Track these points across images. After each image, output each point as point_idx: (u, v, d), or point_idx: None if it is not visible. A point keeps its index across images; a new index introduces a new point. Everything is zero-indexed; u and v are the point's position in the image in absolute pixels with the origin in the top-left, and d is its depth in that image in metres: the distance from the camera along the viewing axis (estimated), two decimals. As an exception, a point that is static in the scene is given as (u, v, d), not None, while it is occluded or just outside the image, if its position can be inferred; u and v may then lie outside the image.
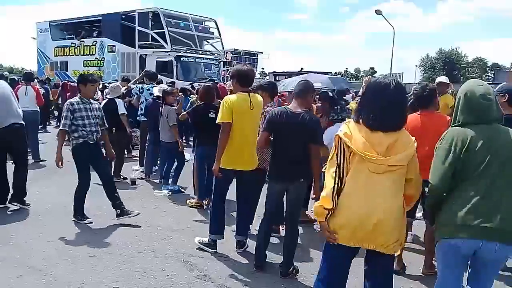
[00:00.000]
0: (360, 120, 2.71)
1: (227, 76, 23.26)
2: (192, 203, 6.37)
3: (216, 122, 4.54)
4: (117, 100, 7.75)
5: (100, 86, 10.95)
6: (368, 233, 2.66)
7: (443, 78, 8.16)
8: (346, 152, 2.68)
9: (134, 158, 9.68)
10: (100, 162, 5.67)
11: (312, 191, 4.51)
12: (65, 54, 23.82)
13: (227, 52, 22.87)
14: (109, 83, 13.06)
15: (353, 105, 6.54)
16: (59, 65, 24.18)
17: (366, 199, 2.64)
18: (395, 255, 2.94)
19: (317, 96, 6.46)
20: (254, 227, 4.99)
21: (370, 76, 10.20)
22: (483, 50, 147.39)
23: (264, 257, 4.38)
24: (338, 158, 2.71)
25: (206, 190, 6.10)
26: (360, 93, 8.41)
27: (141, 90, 8.98)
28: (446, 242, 2.68)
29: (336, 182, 2.69)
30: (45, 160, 8.88)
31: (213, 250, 4.73)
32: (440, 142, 2.73)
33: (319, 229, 4.98)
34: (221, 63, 21.34)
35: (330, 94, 5.88)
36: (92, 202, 6.11)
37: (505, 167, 2.58)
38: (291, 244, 4.25)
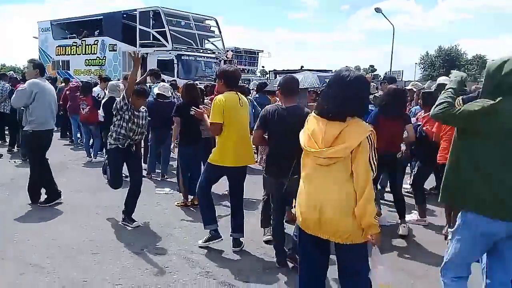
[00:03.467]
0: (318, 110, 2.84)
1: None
2: (179, 203, 6.39)
3: (209, 121, 4.63)
4: (117, 99, 7.73)
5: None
6: (316, 224, 2.78)
7: (444, 79, 7.93)
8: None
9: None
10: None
11: None
12: (67, 53, 23.84)
13: (227, 51, 22.82)
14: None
15: None
16: (60, 64, 24.21)
17: (311, 191, 2.81)
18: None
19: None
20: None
21: (371, 74, 10.19)
22: (482, 48, 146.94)
23: (284, 251, 4.39)
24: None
25: (190, 188, 6.20)
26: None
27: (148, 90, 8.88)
28: (480, 219, 2.65)
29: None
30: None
31: (219, 239, 4.79)
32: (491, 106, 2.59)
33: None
34: (222, 61, 21.32)
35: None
36: (95, 199, 6.15)
37: None
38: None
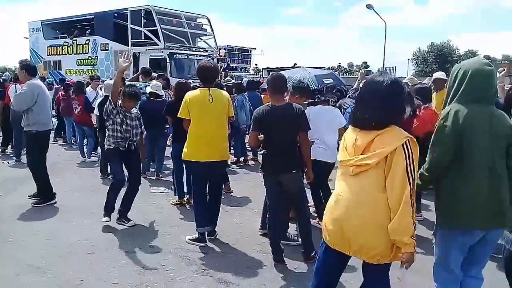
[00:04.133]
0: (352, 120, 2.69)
1: (221, 73, 23.26)
2: (174, 202, 6.38)
3: (178, 116, 4.88)
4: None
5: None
6: (340, 238, 2.54)
7: (440, 74, 7.96)
8: None
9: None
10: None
11: (305, 176, 4.56)
12: (58, 53, 23.71)
13: (220, 49, 22.77)
14: (103, 81, 13.05)
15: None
16: (52, 64, 24.07)
17: (338, 202, 2.55)
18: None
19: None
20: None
21: (365, 69, 10.21)
22: (474, 43, 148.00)
23: (281, 250, 4.41)
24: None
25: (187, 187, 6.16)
26: (354, 86, 8.47)
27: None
28: (458, 231, 2.72)
29: None
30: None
31: (203, 244, 4.81)
32: (442, 120, 2.67)
33: (318, 225, 5.03)
34: (215, 59, 21.30)
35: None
36: (90, 199, 6.13)
37: (499, 150, 2.65)
38: (304, 232, 4.42)
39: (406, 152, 2.37)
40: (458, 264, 2.83)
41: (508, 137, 2.67)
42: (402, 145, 2.38)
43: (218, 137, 4.84)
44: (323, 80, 6.39)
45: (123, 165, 5.56)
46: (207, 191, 4.98)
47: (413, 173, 2.38)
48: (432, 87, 7.36)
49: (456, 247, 2.78)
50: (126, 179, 5.57)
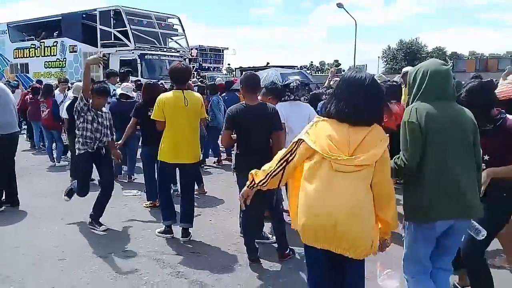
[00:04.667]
0: (331, 113, 2.60)
1: (193, 73, 23.11)
2: (147, 204, 6.30)
3: (152, 118, 4.90)
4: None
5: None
6: (330, 235, 2.49)
7: (409, 69, 8.18)
8: (303, 152, 2.62)
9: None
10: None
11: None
12: (25, 56, 23.18)
13: (192, 49, 22.66)
14: (72, 83, 12.78)
15: None
16: (19, 67, 23.51)
17: (327, 198, 2.48)
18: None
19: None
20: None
21: (335, 68, 10.31)
22: (442, 40, 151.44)
23: (255, 249, 4.41)
24: (290, 156, 2.71)
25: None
26: (325, 84, 8.53)
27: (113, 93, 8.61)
28: (424, 225, 2.77)
29: (278, 168, 2.76)
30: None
31: (170, 235, 5.00)
32: (408, 117, 2.73)
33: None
34: (187, 59, 21.17)
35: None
36: (60, 204, 6.00)
37: (463, 143, 2.72)
38: (279, 230, 4.44)
39: (389, 150, 2.53)
40: (427, 256, 2.88)
41: (471, 130, 2.75)
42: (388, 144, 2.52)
43: (192, 139, 4.89)
44: (288, 77, 6.42)
45: (96, 170, 5.46)
46: (178, 192, 5.00)
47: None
48: (401, 83, 7.48)
49: (423, 239, 2.83)
50: (98, 183, 5.46)
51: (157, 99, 4.83)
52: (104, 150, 5.35)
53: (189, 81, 10.28)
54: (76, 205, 5.52)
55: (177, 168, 5.21)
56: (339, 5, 29.16)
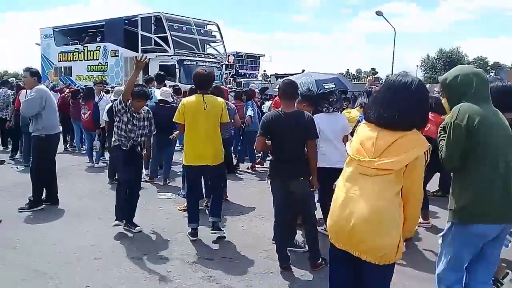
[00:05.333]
0: (371, 117, 2.57)
1: (229, 79, 23.31)
2: (182, 207, 6.35)
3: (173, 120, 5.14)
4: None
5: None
6: (348, 238, 2.50)
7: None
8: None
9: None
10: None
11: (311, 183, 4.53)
12: (69, 60, 23.96)
13: (229, 55, 22.89)
14: (112, 87, 13.12)
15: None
16: (63, 70, 24.32)
17: (348, 201, 2.49)
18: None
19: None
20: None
21: (373, 76, 10.16)
22: (484, 50, 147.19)
23: (287, 257, 4.39)
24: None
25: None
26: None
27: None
28: (471, 226, 2.72)
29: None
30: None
31: (194, 238, 5.10)
32: (454, 118, 2.69)
33: (325, 232, 4.99)
34: (223, 66, 21.38)
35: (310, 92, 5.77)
36: (97, 204, 6.14)
37: (510, 143, 2.71)
38: (311, 239, 4.41)
39: (426, 160, 2.43)
40: (466, 262, 2.85)
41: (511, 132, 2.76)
42: (424, 153, 2.41)
43: (211, 142, 5.00)
44: (323, 84, 6.28)
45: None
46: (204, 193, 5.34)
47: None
48: (440, 93, 7.29)
49: (469, 244, 2.77)
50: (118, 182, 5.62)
51: (180, 103, 5.04)
52: (139, 149, 5.49)
53: (225, 87, 10.42)
54: (113, 205, 5.63)
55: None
56: (378, 13, 28.84)
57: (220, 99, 5.25)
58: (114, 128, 5.37)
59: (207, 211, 5.68)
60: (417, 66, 65.01)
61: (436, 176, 6.24)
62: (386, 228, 2.43)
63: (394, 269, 2.62)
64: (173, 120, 5.07)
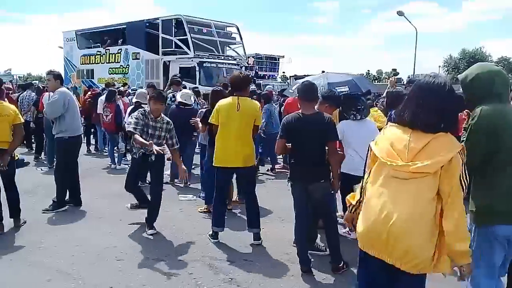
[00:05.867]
0: (404, 119, 2.52)
1: (249, 81, 23.25)
2: (202, 209, 6.39)
3: (209, 122, 5.17)
4: (144, 106, 7.86)
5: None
6: (383, 245, 2.41)
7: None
8: (372, 157, 2.61)
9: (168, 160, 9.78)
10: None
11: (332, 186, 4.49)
12: (91, 62, 24.28)
13: (249, 57, 22.91)
14: (133, 89, 13.28)
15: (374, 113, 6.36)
16: (85, 73, 24.67)
17: (384, 206, 2.40)
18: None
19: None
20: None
21: (395, 77, 10.04)
22: (508, 50, 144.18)
23: (308, 260, 4.38)
24: (367, 163, 2.70)
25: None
26: (384, 94, 8.33)
27: (173, 99, 8.81)
28: (498, 226, 2.69)
29: (362, 185, 2.69)
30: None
31: (215, 240, 5.13)
32: (476, 119, 2.67)
33: (347, 235, 4.97)
34: (243, 67, 21.40)
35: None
36: (119, 206, 6.21)
37: None
38: (333, 242, 4.37)
39: (461, 160, 2.37)
40: (498, 265, 2.80)
41: None
42: (458, 153, 2.36)
43: (242, 143, 4.97)
44: (336, 88, 6.12)
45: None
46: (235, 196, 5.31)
47: (465, 180, 2.38)
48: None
49: (498, 243, 2.74)
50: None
51: (216, 105, 5.08)
52: (153, 158, 5.33)
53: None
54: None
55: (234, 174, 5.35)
56: (400, 13, 28.55)
57: (255, 102, 5.25)
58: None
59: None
60: (439, 66, 64.04)
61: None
62: (423, 233, 2.35)
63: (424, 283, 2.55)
64: (209, 121, 5.14)
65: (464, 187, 2.38)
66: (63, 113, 6.14)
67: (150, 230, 5.40)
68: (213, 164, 5.11)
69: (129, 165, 5.71)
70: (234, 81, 5.09)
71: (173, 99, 8.62)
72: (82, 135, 6.85)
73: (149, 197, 5.63)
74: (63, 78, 6.71)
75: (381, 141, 2.57)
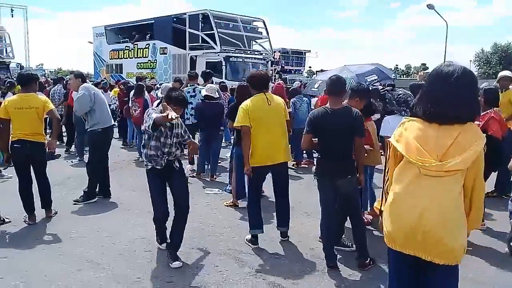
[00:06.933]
0: (418, 113, 2.44)
1: (275, 75, 23.31)
2: (228, 203, 6.43)
3: (234, 126, 4.97)
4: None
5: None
6: (420, 242, 2.37)
7: (506, 72, 7.59)
8: (392, 153, 2.55)
9: (185, 157, 9.87)
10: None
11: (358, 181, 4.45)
12: (120, 57, 24.72)
13: (275, 52, 22.89)
14: (161, 84, 13.42)
15: None
16: (114, 67, 25.11)
17: (416, 204, 2.37)
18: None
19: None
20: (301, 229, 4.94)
21: (424, 71, 9.85)
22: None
23: (334, 256, 4.36)
24: (387, 163, 2.65)
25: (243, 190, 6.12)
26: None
27: (193, 94, 8.72)
28: None
29: (385, 186, 2.66)
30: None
31: (254, 246, 4.86)
32: None
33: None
34: (269, 62, 21.38)
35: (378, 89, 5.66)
36: (147, 198, 6.30)
37: None
38: (359, 238, 4.34)
39: (484, 152, 2.35)
40: None
41: None
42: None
43: (281, 138, 4.85)
44: (365, 78, 5.99)
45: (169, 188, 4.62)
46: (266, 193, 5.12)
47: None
48: (498, 87, 6.96)
49: None
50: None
51: (240, 107, 4.82)
52: (177, 164, 4.58)
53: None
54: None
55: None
56: (430, 6, 27.98)
57: (279, 97, 5.17)
58: (143, 150, 4.49)
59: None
60: (470, 61, 62.50)
61: (493, 175, 5.98)
62: (459, 228, 2.37)
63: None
64: (237, 124, 4.78)
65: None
66: (92, 107, 6.31)
67: (175, 262, 4.37)
68: (251, 165, 4.71)
69: (149, 186, 4.62)
70: (257, 78, 4.95)
71: (193, 93, 8.65)
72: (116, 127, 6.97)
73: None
74: (85, 77, 6.95)
75: (404, 138, 2.46)
